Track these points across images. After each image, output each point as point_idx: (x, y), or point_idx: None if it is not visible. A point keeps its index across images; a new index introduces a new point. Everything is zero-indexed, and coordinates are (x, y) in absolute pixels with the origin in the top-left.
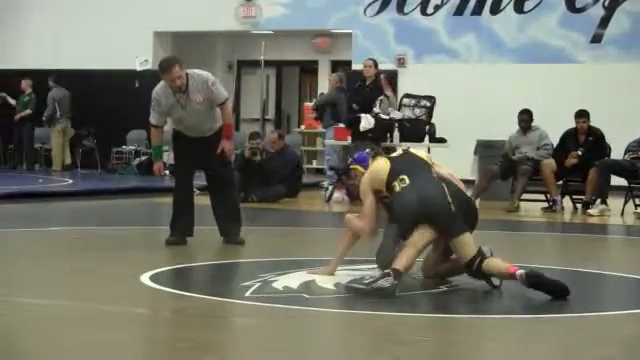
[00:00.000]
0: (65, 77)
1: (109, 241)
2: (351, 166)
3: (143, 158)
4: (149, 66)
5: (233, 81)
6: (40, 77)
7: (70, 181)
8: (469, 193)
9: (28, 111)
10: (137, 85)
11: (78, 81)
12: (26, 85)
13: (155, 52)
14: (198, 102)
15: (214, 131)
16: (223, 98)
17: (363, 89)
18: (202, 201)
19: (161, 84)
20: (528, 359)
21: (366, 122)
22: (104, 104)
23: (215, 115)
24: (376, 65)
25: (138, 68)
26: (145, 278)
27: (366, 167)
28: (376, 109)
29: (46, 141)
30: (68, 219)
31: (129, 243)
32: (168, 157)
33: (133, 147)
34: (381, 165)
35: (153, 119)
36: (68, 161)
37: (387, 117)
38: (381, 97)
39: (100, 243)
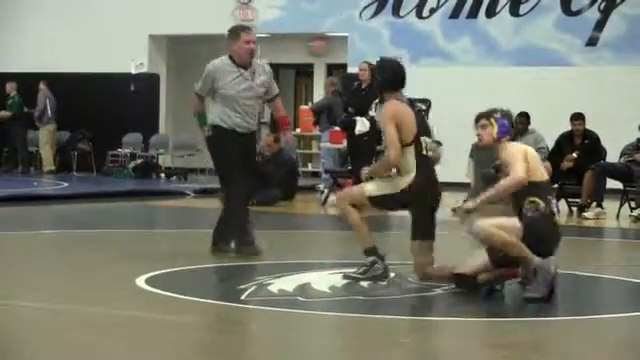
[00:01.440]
0: (61, 80)
1: (105, 244)
2: (493, 119)
3: (139, 161)
4: (145, 69)
5: None
6: (34, 80)
7: (65, 184)
8: (465, 196)
9: (7, 113)
10: (133, 88)
11: (74, 84)
12: (10, 88)
13: (151, 55)
14: (259, 84)
15: (256, 128)
16: (277, 91)
17: (359, 92)
18: (198, 204)
19: (222, 59)
20: None
21: (361, 125)
22: (100, 107)
23: None
24: (372, 68)
25: (133, 71)
26: (141, 281)
27: (503, 135)
28: (372, 112)
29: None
30: (64, 222)
31: (125, 246)
32: (164, 160)
33: (129, 150)
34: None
35: (199, 89)
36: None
37: None
38: (377, 100)
39: (96, 246)
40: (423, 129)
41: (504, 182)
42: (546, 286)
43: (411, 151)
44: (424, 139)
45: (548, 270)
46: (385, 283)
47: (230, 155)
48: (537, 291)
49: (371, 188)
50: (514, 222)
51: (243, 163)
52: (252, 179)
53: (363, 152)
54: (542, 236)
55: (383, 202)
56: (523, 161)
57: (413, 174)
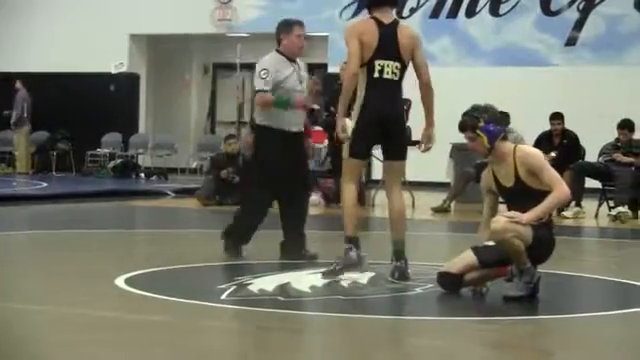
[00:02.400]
0: (40, 80)
1: (84, 244)
2: (475, 134)
3: (118, 161)
4: (124, 69)
5: (209, 84)
6: (12, 80)
7: (45, 184)
8: (444, 196)
9: None
10: (112, 88)
11: (53, 84)
12: None
13: (131, 55)
14: (303, 80)
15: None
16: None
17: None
18: (178, 204)
19: (272, 55)
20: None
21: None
22: (79, 107)
23: None
24: None
25: (113, 71)
26: (120, 281)
27: (492, 143)
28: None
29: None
30: (43, 222)
31: (104, 246)
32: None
33: (108, 150)
34: None
35: (265, 85)
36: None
37: None
38: None
39: (75, 246)
40: (384, 53)
41: (554, 199)
42: (528, 287)
43: (364, 71)
44: (379, 62)
45: (534, 273)
46: (359, 274)
47: (279, 158)
48: (520, 290)
49: (349, 124)
50: (529, 230)
51: (295, 164)
52: (305, 179)
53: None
54: (544, 245)
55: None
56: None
57: (363, 96)
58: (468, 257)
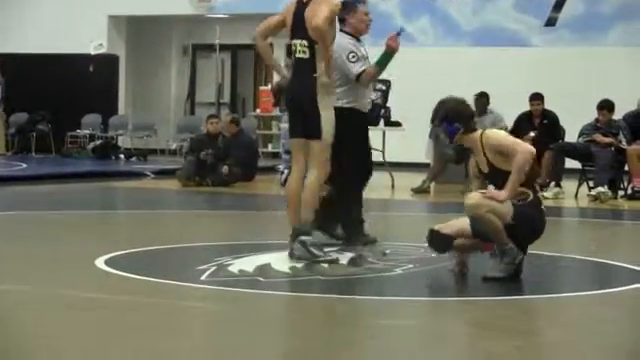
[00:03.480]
0: (18, 61)
1: (64, 225)
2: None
3: (98, 142)
4: (104, 50)
5: (188, 65)
6: None
7: (24, 165)
8: (424, 176)
9: None
10: (91, 69)
11: (32, 65)
12: None
13: (110, 36)
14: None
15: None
16: None
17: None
18: (158, 185)
19: (343, 36)
20: (484, 342)
21: None
22: (58, 88)
23: None
24: None
25: (92, 52)
26: (100, 262)
27: (452, 140)
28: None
29: None
30: (22, 203)
31: (84, 227)
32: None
33: (88, 131)
34: None
35: (361, 66)
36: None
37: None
38: None
39: (54, 227)
40: (295, 32)
41: (519, 161)
42: (509, 268)
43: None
44: (293, 42)
45: (516, 254)
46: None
47: (365, 139)
48: (500, 271)
49: None
50: (506, 207)
51: (367, 143)
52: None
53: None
54: (527, 224)
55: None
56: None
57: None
58: (463, 223)
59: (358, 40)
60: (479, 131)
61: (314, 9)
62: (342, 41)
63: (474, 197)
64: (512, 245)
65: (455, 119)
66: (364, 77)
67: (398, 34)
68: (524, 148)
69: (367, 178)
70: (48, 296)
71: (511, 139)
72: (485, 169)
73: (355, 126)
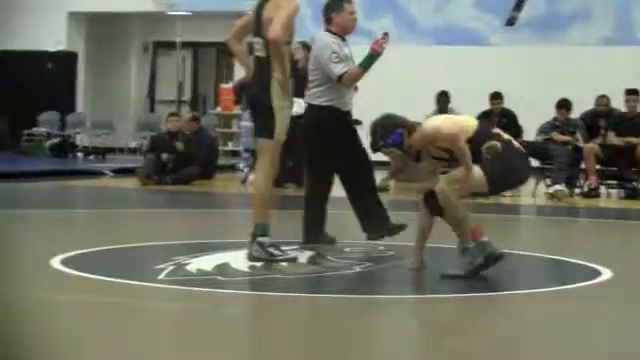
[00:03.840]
0: None
1: (20, 224)
2: (387, 150)
3: (56, 140)
4: (62, 47)
5: (149, 63)
6: None
7: None
8: (384, 174)
9: None
10: (50, 66)
11: None
12: None
13: (69, 33)
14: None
15: None
16: None
17: (295, 73)
18: (116, 183)
19: (327, 35)
20: (441, 339)
21: (298, 106)
22: (16, 85)
23: None
24: (305, 47)
25: (51, 49)
26: (56, 262)
27: (403, 148)
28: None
29: None
30: None
31: (41, 226)
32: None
33: (45, 129)
34: (468, 119)
35: (344, 67)
36: None
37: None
38: None
39: (11, 226)
40: (254, 30)
41: (455, 148)
42: (468, 268)
43: None
44: (250, 40)
45: (477, 256)
46: (299, 252)
47: (345, 137)
48: (458, 269)
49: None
50: (476, 178)
51: (356, 144)
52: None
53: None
54: (511, 164)
55: None
56: (445, 122)
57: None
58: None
59: (343, 40)
60: (419, 130)
61: (271, 11)
62: (326, 40)
63: (440, 182)
64: (474, 245)
65: (392, 129)
66: (346, 78)
67: (383, 38)
68: (448, 135)
69: (365, 164)
70: (3, 296)
71: (430, 131)
72: (445, 155)
73: (335, 124)
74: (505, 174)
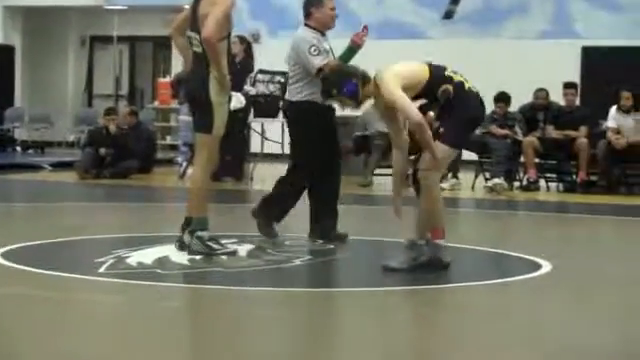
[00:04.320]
0: None
1: None
2: (339, 99)
3: None
4: None
5: (86, 57)
6: None
7: None
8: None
9: None
10: None
11: None
12: None
13: (5, 27)
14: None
15: None
16: None
17: (233, 67)
18: (55, 177)
19: (305, 29)
20: (380, 331)
21: (236, 101)
22: None
23: None
24: (243, 41)
25: None
26: None
27: (358, 98)
28: (247, 87)
29: None
30: None
31: None
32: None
33: None
34: (420, 68)
35: (322, 60)
36: None
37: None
38: (252, 74)
39: None
40: (191, 25)
41: (418, 133)
42: (411, 263)
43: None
44: (189, 34)
45: (423, 253)
46: (238, 246)
47: (324, 134)
48: (401, 263)
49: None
50: (443, 149)
51: (333, 139)
52: (339, 155)
53: (236, 129)
54: (464, 110)
55: None
56: (400, 87)
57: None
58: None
59: (322, 34)
60: (371, 80)
61: (207, 7)
62: (305, 34)
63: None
64: (425, 244)
65: (345, 80)
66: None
67: (363, 31)
68: (414, 119)
69: (337, 166)
70: None
71: (402, 102)
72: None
73: (314, 119)
74: (462, 126)
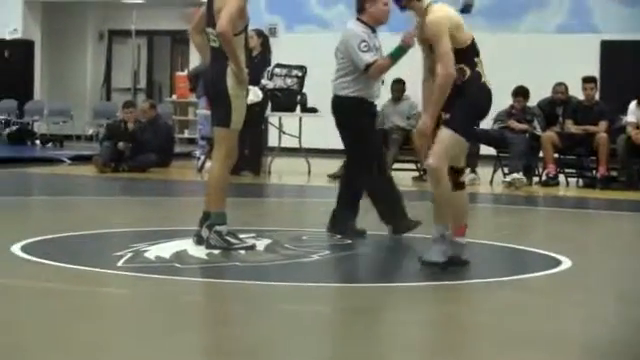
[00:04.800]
0: None
1: None
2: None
3: (13, 128)
4: (19, 35)
5: (104, 51)
6: None
7: None
8: (340, 163)
9: None
10: (6, 55)
11: None
12: None
13: (25, 21)
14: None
15: None
16: None
17: (250, 61)
18: (74, 171)
19: (357, 24)
20: (405, 327)
21: (254, 95)
22: None
23: None
24: (260, 35)
25: (7, 37)
26: (16, 248)
27: (401, 3)
28: (264, 81)
29: None
30: None
31: (0, 213)
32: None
33: (3, 117)
34: (469, 34)
35: (372, 57)
36: None
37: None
38: (269, 68)
39: None
40: (207, 20)
41: (438, 88)
42: (446, 254)
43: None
44: (207, 30)
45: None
46: (256, 240)
47: (374, 131)
48: (436, 256)
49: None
50: (450, 136)
51: (378, 135)
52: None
53: (253, 122)
54: (474, 99)
55: None
56: (447, 34)
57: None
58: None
59: (373, 31)
60: (425, 3)
61: (222, 1)
62: (356, 29)
63: (428, 161)
64: (458, 239)
65: None
66: (374, 69)
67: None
68: (445, 71)
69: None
70: None
71: (444, 48)
72: (422, 35)
73: (362, 115)
74: (469, 114)
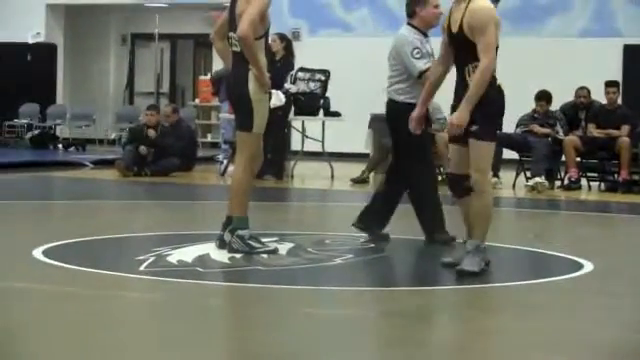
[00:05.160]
0: None
1: (1, 215)
2: None
3: (36, 132)
4: (42, 39)
5: (127, 54)
6: None
7: None
8: (363, 167)
9: None
10: (29, 58)
11: None
12: None
13: (48, 25)
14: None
15: None
16: None
17: (273, 64)
18: (96, 175)
19: (409, 30)
20: (419, 331)
21: (276, 99)
22: None
23: None
24: (283, 39)
25: (30, 41)
26: (38, 253)
27: None
28: (287, 85)
29: None
30: None
31: (22, 217)
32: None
33: (26, 121)
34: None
35: (425, 64)
36: None
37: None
38: (292, 72)
39: None
40: (230, 25)
41: (478, 76)
42: (482, 264)
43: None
44: (229, 35)
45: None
46: (278, 244)
47: (429, 137)
48: (473, 265)
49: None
50: (488, 153)
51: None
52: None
53: (275, 126)
54: (496, 107)
55: None
56: (494, 25)
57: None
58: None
59: (425, 35)
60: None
61: (243, 5)
62: (408, 36)
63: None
64: (485, 245)
65: None
66: (428, 76)
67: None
68: (487, 62)
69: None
70: None
71: (489, 39)
72: (455, 28)
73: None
74: (494, 120)
